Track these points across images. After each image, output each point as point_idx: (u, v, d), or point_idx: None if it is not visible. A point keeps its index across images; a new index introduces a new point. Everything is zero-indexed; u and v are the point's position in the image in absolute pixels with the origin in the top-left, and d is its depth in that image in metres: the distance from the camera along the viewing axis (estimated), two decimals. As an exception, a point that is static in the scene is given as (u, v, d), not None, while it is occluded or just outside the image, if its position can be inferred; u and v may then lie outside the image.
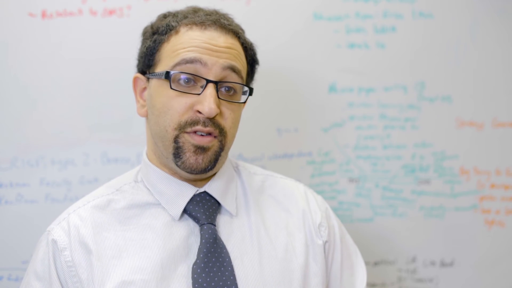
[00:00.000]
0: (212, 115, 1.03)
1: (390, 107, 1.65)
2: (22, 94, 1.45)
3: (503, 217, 1.72)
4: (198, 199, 1.11)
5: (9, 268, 1.47)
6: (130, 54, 1.45)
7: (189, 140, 1.04)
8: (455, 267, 1.72)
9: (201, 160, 1.05)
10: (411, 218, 1.69)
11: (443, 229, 1.70)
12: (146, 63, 1.12)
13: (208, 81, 1.04)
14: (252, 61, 1.16)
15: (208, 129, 1.04)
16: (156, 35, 1.10)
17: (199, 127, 1.04)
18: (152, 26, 1.14)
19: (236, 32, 1.10)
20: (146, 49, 1.12)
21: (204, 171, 1.07)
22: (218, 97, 1.05)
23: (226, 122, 1.07)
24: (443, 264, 1.72)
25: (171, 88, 1.04)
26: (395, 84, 1.65)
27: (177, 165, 1.06)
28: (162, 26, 1.10)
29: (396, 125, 1.66)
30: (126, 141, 1.51)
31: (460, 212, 1.71)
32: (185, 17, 1.09)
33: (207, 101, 1.02)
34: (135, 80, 1.16)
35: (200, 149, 1.05)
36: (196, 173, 1.07)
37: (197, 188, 1.12)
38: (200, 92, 1.04)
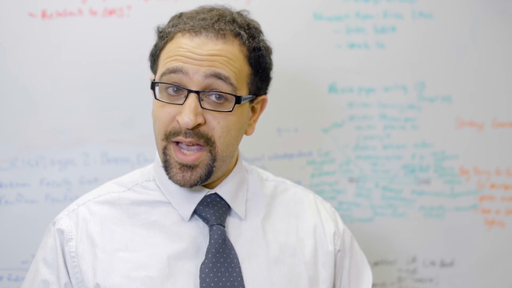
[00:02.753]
0: (190, 126, 1.00)
1: (390, 107, 1.65)
2: (22, 94, 1.45)
3: (503, 217, 1.72)
4: (208, 200, 1.11)
5: (9, 268, 1.47)
6: (130, 54, 1.46)
7: (174, 157, 1.03)
8: (455, 267, 1.72)
9: (189, 177, 1.04)
10: (411, 218, 1.69)
11: (443, 229, 1.70)
12: (152, 68, 1.13)
13: (189, 91, 1.01)
14: (256, 63, 1.09)
15: (189, 139, 1.01)
16: (158, 40, 1.10)
17: (180, 138, 1.02)
18: (158, 29, 1.13)
19: (235, 34, 1.06)
20: (150, 55, 1.12)
21: (196, 185, 1.05)
22: (202, 107, 1.01)
23: (214, 131, 1.03)
24: (443, 264, 1.72)
25: (156, 98, 1.04)
26: (395, 84, 1.65)
27: (168, 177, 1.06)
28: (163, 32, 1.09)
29: (396, 125, 1.66)
30: (126, 141, 1.51)
31: (460, 212, 1.71)
32: (184, 22, 1.06)
33: (185, 112, 1.00)
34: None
35: (186, 167, 1.03)
36: (187, 187, 1.06)
37: (208, 190, 1.11)
38: (182, 102, 1.02)
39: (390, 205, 1.69)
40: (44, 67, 1.45)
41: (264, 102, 1.19)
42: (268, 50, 1.14)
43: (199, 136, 1.02)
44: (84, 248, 1.04)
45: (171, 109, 1.03)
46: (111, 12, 1.48)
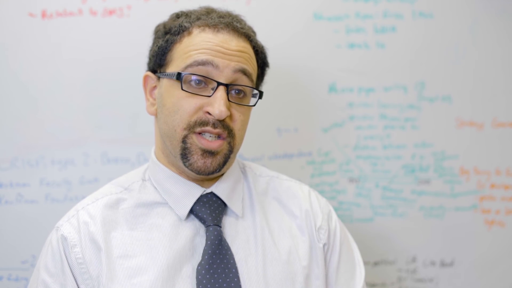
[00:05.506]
0: (222, 117, 1.04)
1: (390, 107, 1.65)
2: (22, 94, 1.45)
3: (503, 217, 1.72)
4: (205, 199, 1.11)
5: (9, 268, 1.47)
6: (130, 54, 1.47)
7: (197, 143, 1.05)
8: (455, 267, 1.72)
9: (210, 164, 1.06)
10: (411, 218, 1.69)
11: (443, 229, 1.70)
12: (158, 62, 1.12)
13: (219, 84, 1.04)
14: (262, 64, 1.17)
15: (217, 130, 1.05)
16: (169, 35, 1.10)
17: (208, 128, 1.04)
18: (164, 25, 1.14)
19: (248, 36, 1.11)
20: (158, 48, 1.12)
21: (212, 173, 1.08)
22: (228, 100, 1.05)
23: (235, 124, 1.08)
24: (443, 264, 1.72)
25: (182, 89, 1.05)
26: (395, 84, 1.65)
27: (185, 165, 1.07)
28: (175, 27, 1.10)
29: (396, 125, 1.66)
30: (126, 141, 1.51)
31: (460, 212, 1.71)
32: (198, 18, 1.09)
33: (218, 103, 1.03)
34: (145, 78, 1.16)
35: (209, 153, 1.05)
36: (204, 175, 1.08)
37: (204, 189, 1.12)
38: (210, 94, 1.05)
39: (390, 205, 1.69)
40: (44, 67, 1.45)
41: None
42: (266, 53, 1.19)
43: (225, 127, 1.06)
44: (91, 253, 1.03)
45: (197, 100, 1.05)
46: (111, 12, 1.48)
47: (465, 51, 1.66)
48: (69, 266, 1.03)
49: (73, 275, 1.03)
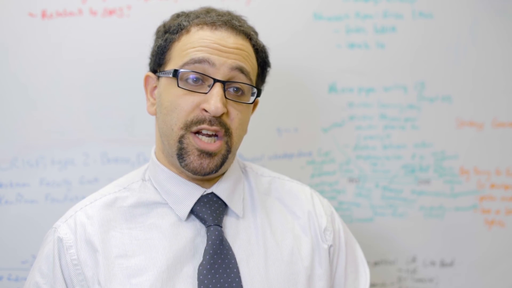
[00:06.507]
0: (218, 114, 1.03)
1: (390, 107, 1.65)
2: (22, 94, 1.45)
3: (503, 217, 1.72)
4: (205, 200, 1.11)
5: (9, 268, 1.47)
6: (130, 54, 1.47)
7: (193, 143, 1.04)
8: (455, 267, 1.72)
9: (206, 165, 1.05)
10: (411, 218, 1.69)
11: (443, 229, 1.71)
12: (157, 61, 1.13)
13: (215, 81, 1.04)
14: (263, 63, 1.16)
15: (214, 127, 1.04)
16: (168, 34, 1.11)
17: (205, 126, 1.04)
18: (164, 25, 1.15)
19: (247, 34, 1.11)
20: (158, 47, 1.12)
21: (208, 174, 1.07)
22: (226, 97, 1.05)
23: (232, 123, 1.07)
24: (443, 264, 1.72)
25: (178, 86, 1.04)
26: (395, 84, 1.65)
27: (181, 165, 1.07)
28: (174, 26, 1.10)
29: (396, 125, 1.66)
30: (126, 141, 1.51)
31: (460, 212, 1.71)
32: (197, 17, 1.10)
33: (214, 99, 1.02)
34: (146, 78, 1.17)
35: (206, 154, 1.05)
36: (200, 176, 1.08)
37: (205, 189, 1.12)
38: (207, 91, 1.04)
39: (390, 205, 1.69)
40: (44, 67, 1.45)
41: (257, 104, 1.21)
42: (267, 52, 1.18)
43: (222, 125, 1.05)
44: (86, 254, 1.03)
45: (194, 98, 1.04)
46: (111, 12, 1.48)
47: (465, 51, 1.66)
48: (61, 269, 1.03)
49: (64, 278, 1.03)
